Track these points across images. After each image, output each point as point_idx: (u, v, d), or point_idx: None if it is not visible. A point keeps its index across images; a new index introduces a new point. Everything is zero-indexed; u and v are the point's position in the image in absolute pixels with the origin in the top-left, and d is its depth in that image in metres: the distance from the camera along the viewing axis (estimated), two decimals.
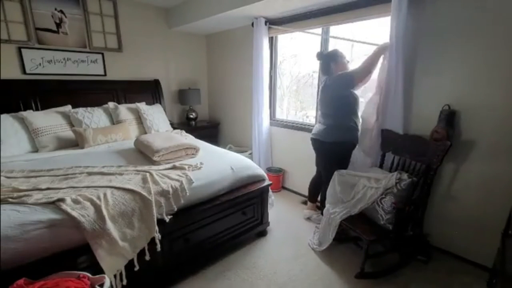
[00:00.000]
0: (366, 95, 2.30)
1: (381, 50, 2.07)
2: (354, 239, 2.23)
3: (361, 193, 1.95)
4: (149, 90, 3.55)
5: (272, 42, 3.22)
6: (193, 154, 2.26)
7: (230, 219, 2.06)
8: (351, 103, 2.15)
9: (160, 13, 3.57)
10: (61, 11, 2.83)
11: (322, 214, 2.44)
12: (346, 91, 2.13)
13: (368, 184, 1.93)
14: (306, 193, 2.70)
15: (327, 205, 2.15)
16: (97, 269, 1.32)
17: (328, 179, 2.18)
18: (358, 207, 1.92)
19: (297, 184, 3.23)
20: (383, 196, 1.84)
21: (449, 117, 1.88)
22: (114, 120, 2.92)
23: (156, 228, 1.58)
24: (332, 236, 2.00)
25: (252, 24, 3.03)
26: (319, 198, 2.57)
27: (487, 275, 1.76)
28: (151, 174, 1.83)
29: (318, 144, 2.30)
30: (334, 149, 2.20)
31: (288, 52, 3.45)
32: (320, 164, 2.43)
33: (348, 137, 2.17)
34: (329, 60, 2.19)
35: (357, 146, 2.26)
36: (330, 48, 2.67)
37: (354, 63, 2.51)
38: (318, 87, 2.42)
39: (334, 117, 2.18)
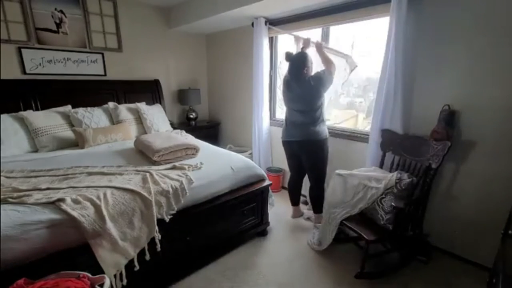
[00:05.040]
0: (366, 95, 2.30)
1: (321, 49, 2.33)
2: (354, 239, 2.23)
3: (361, 193, 1.94)
4: (149, 90, 3.55)
5: (272, 42, 3.22)
6: (193, 154, 2.26)
7: (230, 219, 2.06)
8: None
9: (160, 13, 3.56)
10: (61, 11, 2.83)
11: (314, 211, 2.46)
12: (327, 89, 2.30)
13: (369, 184, 1.93)
14: (306, 193, 2.69)
15: (326, 205, 2.14)
16: (97, 269, 1.32)
17: (319, 177, 2.19)
18: (358, 207, 1.92)
19: None
20: (383, 196, 1.84)
21: (449, 117, 1.88)
22: (114, 120, 2.92)
23: (156, 228, 1.58)
24: (332, 236, 2.00)
25: (252, 24, 3.03)
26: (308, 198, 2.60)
27: (487, 275, 1.75)
28: (151, 174, 1.83)
29: (305, 145, 2.31)
30: (322, 145, 2.30)
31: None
32: (305, 165, 2.42)
33: (326, 130, 2.34)
34: (303, 67, 2.23)
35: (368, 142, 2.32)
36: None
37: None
38: (287, 85, 2.38)
39: (313, 114, 2.25)
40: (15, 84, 2.62)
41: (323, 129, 2.30)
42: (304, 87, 2.24)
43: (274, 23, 2.98)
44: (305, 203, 2.80)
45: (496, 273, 1.24)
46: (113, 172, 1.88)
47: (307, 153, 2.35)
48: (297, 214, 2.68)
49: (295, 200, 2.67)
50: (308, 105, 2.26)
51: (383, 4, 2.09)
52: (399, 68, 2.01)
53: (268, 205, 2.35)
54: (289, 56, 2.28)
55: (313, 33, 2.70)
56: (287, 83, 2.37)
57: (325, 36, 2.69)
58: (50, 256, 1.30)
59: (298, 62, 2.25)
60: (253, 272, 1.93)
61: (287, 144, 2.47)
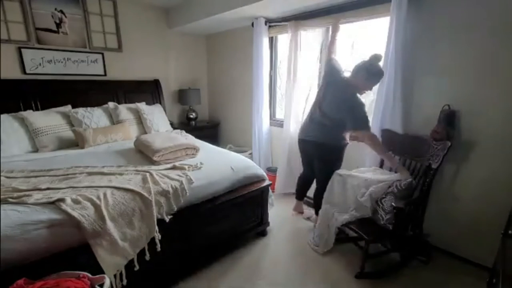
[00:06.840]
0: (366, 95, 2.29)
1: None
2: (354, 239, 2.23)
3: (361, 194, 1.94)
4: (149, 90, 3.55)
5: (272, 42, 3.22)
6: (193, 154, 2.26)
7: (230, 219, 2.06)
8: None
9: (160, 13, 3.56)
10: (61, 11, 2.83)
11: (316, 213, 2.44)
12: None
13: (369, 183, 1.93)
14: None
15: (324, 206, 2.13)
16: (97, 269, 1.32)
17: (324, 181, 2.17)
18: (359, 208, 1.92)
19: None
20: (383, 196, 1.84)
21: (449, 117, 1.88)
22: (114, 120, 2.92)
23: (156, 228, 1.58)
24: (332, 240, 2.00)
25: (252, 24, 3.03)
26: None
27: (487, 275, 1.75)
28: (151, 174, 1.83)
29: (319, 147, 2.21)
30: (334, 151, 2.21)
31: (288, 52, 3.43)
32: (315, 166, 2.34)
33: (345, 139, 2.19)
34: (346, 90, 2.06)
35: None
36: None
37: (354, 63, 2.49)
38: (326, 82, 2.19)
39: (337, 121, 2.09)
40: (15, 84, 2.62)
41: (342, 137, 2.17)
42: (337, 99, 2.10)
43: (274, 23, 2.98)
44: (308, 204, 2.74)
45: (496, 273, 1.24)
46: (113, 172, 1.88)
47: (319, 156, 2.26)
48: (298, 208, 2.67)
49: (300, 195, 2.64)
50: (334, 113, 2.11)
51: (383, 4, 2.09)
52: (399, 68, 2.01)
53: (268, 205, 2.35)
54: (377, 59, 1.96)
55: (313, 33, 2.70)
56: (327, 83, 2.20)
57: (325, 36, 2.69)
58: (50, 256, 1.29)
59: (346, 83, 2.09)
60: (253, 272, 1.93)
61: (302, 142, 2.36)
